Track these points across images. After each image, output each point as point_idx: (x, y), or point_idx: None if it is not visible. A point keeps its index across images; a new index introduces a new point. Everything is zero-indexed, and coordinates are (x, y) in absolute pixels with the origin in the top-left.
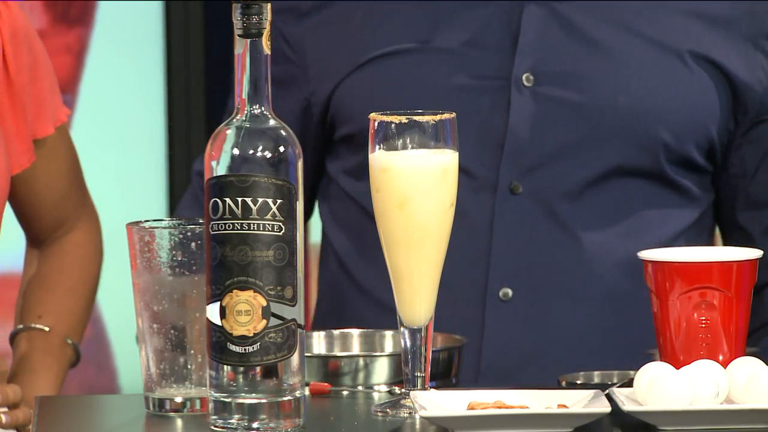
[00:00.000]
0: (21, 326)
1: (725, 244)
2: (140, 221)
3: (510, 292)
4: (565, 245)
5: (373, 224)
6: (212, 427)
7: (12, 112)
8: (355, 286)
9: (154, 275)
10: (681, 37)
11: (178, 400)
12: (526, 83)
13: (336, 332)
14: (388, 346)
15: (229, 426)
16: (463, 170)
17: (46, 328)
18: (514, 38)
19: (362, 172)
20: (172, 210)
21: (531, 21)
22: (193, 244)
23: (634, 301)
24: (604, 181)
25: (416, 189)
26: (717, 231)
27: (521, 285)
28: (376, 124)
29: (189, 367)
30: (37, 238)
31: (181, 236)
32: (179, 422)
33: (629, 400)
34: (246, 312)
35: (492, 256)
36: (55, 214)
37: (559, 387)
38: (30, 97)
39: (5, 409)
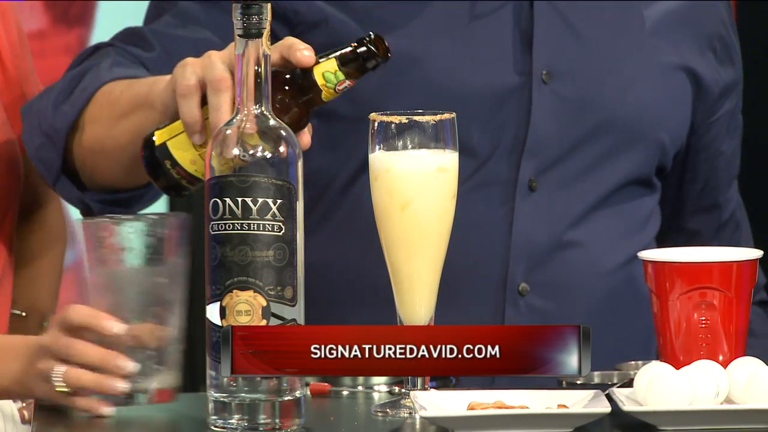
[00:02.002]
0: None
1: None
2: (95, 216)
3: (528, 287)
4: (576, 244)
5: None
6: (212, 427)
7: (5, 85)
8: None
9: (107, 270)
10: (664, 42)
11: (128, 391)
12: (544, 80)
13: None
14: None
15: (229, 426)
16: (483, 165)
17: (23, 314)
18: (524, 36)
19: (340, 142)
20: (173, 210)
21: (542, 19)
22: (149, 238)
23: (635, 302)
24: (610, 177)
25: (417, 189)
26: None
27: (537, 280)
28: (376, 124)
29: (139, 360)
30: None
31: (131, 231)
32: (179, 422)
33: (629, 400)
34: (246, 312)
35: (512, 252)
36: (29, 187)
37: (559, 387)
38: (17, 71)
39: (20, 404)
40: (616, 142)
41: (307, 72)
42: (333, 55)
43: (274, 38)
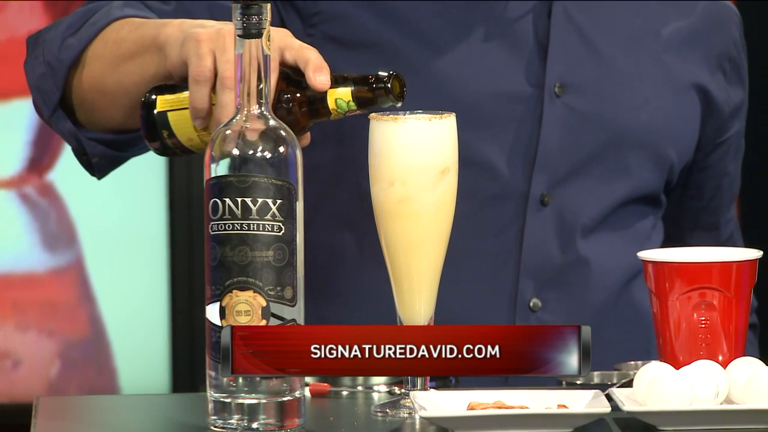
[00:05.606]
0: None
1: None
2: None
3: (539, 302)
4: (585, 259)
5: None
6: (212, 427)
7: None
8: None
9: None
10: (676, 60)
11: None
12: (557, 93)
13: None
14: None
15: (229, 426)
16: (494, 177)
17: None
18: (540, 47)
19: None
20: (172, 210)
21: (558, 31)
22: None
23: (641, 315)
24: (618, 193)
25: (414, 179)
26: None
27: (548, 296)
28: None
29: None
30: None
31: None
32: (179, 422)
33: (629, 400)
34: (246, 312)
35: (522, 267)
36: None
37: (559, 387)
38: None
39: None
40: (625, 159)
41: (321, 93)
42: (349, 83)
43: (283, 26)
